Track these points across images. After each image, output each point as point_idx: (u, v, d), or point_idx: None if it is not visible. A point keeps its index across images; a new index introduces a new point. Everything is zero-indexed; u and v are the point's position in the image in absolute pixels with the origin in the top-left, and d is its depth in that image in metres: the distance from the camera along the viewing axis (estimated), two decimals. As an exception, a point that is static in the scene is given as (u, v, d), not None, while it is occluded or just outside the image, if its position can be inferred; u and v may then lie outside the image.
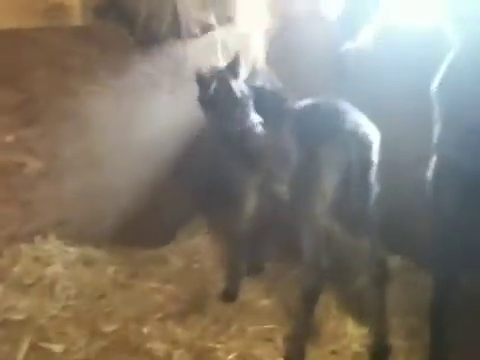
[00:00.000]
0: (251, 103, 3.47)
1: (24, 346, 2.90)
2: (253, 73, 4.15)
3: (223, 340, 3.16)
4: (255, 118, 3.42)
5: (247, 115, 3.42)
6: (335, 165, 2.89)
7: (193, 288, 3.73)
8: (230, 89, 3.44)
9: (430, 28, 3.44)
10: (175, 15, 4.10)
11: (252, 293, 3.73)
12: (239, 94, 3.44)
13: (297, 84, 4.13)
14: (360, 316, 3.31)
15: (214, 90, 3.42)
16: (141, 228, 4.14)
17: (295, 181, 3.03)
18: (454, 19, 2.81)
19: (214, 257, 4.18)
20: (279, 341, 3.14)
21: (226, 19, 4.35)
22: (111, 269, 3.77)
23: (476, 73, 2.59)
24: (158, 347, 3.06)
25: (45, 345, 2.94)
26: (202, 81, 3.50)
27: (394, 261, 3.76)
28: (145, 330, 3.19)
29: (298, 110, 3.17)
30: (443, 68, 2.76)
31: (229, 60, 3.64)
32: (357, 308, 3.38)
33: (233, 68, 3.53)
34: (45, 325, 3.09)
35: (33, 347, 2.92)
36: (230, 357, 2.99)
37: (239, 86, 3.48)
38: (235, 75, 3.51)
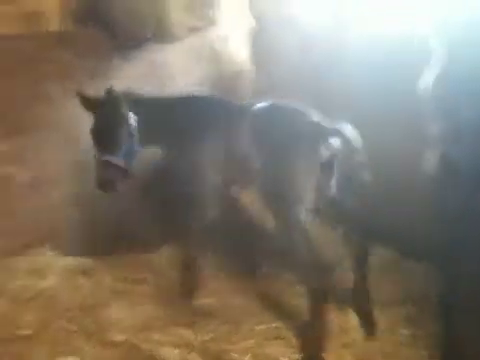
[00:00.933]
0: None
1: (39, 361, 2.85)
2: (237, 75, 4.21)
3: (235, 341, 3.17)
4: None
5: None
6: (315, 163, 3.01)
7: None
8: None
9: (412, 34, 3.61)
10: (159, 18, 4.07)
11: (249, 294, 3.75)
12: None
13: (279, 85, 4.23)
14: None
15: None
16: (133, 234, 4.10)
17: (274, 184, 3.08)
18: (437, 24, 2.99)
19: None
20: (290, 338, 3.18)
21: (208, 21, 4.34)
22: (109, 278, 3.72)
23: (469, 72, 2.73)
24: (172, 352, 3.06)
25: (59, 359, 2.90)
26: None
27: (387, 252, 3.93)
28: (155, 337, 3.18)
29: (262, 113, 3.27)
30: (434, 70, 2.91)
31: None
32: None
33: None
34: (54, 339, 3.05)
35: None
36: (246, 358, 3.02)
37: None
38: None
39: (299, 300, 3.34)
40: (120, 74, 4.10)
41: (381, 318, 3.32)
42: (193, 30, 4.30)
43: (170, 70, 4.28)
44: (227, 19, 4.49)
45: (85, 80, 3.94)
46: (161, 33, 4.17)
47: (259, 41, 4.63)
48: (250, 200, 4.17)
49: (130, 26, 4.08)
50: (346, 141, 3.00)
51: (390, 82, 3.71)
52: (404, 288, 3.64)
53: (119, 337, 3.16)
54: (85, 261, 3.82)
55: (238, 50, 4.57)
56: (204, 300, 3.62)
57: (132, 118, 3.36)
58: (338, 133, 3.01)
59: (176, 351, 3.07)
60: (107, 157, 3.23)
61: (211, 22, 4.37)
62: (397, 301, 3.52)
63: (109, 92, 3.26)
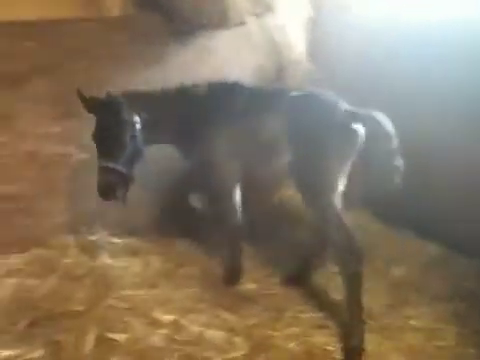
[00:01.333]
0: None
1: (90, 336, 2.95)
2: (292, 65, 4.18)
3: (279, 328, 3.20)
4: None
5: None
6: (348, 150, 3.11)
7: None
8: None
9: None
10: (220, 4, 4.06)
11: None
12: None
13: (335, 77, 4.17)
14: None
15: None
16: (180, 216, 4.15)
17: (307, 171, 3.12)
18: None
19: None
20: (334, 328, 3.19)
21: (266, 8, 4.31)
22: (157, 258, 3.80)
23: None
24: (218, 335, 3.11)
25: (110, 335, 2.99)
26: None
27: (437, 248, 3.88)
28: (202, 319, 3.24)
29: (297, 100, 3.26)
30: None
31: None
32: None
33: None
34: (105, 316, 3.14)
35: (98, 337, 2.98)
36: (291, 345, 3.04)
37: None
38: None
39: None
40: (173, 59, 4.15)
41: (429, 314, 3.30)
42: (250, 17, 4.27)
43: (223, 57, 4.28)
44: (285, 7, 4.44)
45: (139, 64, 4.01)
46: (218, 19, 4.16)
47: (317, 31, 4.57)
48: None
49: (187, 11, 4.10)
50: (379, 128, 3.08)
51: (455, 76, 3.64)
52: (453, 284, 3.60)
53: (167, 317, 3.23)
54: (135, 242, 3.92)
55: (295, 39, 4.52)
56: (247, 286, 3.65)
57: (135, 121, 3.25)
58: (371, 120, 3.08)
59: (222, 334, 3.13)
60: (107, 163, 3.14)
61: (268, 9, 4.34)
62: (445, 297, 3.48)
63: (109, 95, 3.15)
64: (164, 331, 3.10)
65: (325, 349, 3.03)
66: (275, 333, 3.15)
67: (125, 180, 3.22)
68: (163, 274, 3.67)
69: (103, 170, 3.14)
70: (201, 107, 3.42)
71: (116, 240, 3.90)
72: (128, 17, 4.00)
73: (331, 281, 3.58)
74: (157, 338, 3.04)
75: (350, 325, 3.05)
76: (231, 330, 3.17)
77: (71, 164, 3.79)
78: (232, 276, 3.67)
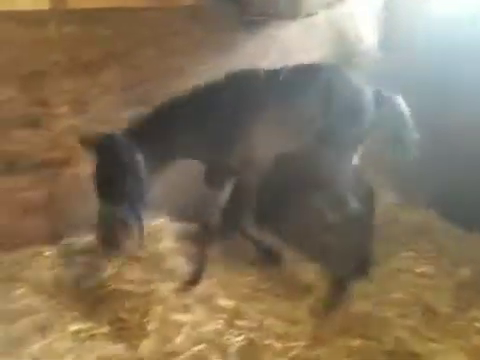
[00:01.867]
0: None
1: (154, 316, 3.04)
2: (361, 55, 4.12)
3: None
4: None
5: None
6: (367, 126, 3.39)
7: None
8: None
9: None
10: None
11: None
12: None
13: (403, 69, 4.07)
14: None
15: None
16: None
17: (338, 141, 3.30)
18: None
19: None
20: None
21: (337, -1, 4.27)
22: (217, 246, 3.82)
23: None
24: (277, 324, 3.14)
25: (172, 317, 3.08)
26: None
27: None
28: (262, 306, 3.28)
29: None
30: None
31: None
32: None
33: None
34: (168, 298, 3.23)
35: (161, 318, 3.07)
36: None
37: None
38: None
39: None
40: (241, 49, 4.17)
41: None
42: (321, 7, 4.23)
43: (291, 47, 4.27)
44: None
45: (208, 54, 4.05)
46: (291, 9, 4.13)
47: (389, 20, 4.48)
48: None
49: (259, 1, 4.10)
50: (396, 107, 3.45)
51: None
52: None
53: (227, 303, 3.29)
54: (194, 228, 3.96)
55: (365, 28, 4.45)
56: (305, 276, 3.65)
57: (137, 160, 2.95)
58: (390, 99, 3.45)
59: (281, 323, 3.15)
60: (109, 209, 2.87)
61: (340, -1, 4.29)
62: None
63: (109, 137, 2.94)
64: (225, 316, 3.17)
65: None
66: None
67: (130, 230, 2.96)
68: (222, 261, 3.72)
69: (103, 217, 2.90)
70: (224, 105, 3.17)
71: (178, 226, 3.97)
72: (201, 6, 4.03)
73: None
74: (218, 323, 3.11)
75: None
76: (291, 320, 3.19)
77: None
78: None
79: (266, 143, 3.26)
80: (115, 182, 2.88)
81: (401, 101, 3.48)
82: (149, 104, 3.81)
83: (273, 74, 3.33)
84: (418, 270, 3.56)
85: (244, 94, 3.23)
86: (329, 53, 4.35)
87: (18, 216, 3.80)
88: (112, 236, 2.90)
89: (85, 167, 3.79)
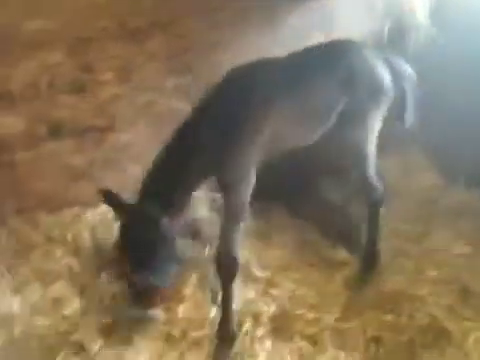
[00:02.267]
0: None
1: (192, 281, 3.19)
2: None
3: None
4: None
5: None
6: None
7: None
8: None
9: None
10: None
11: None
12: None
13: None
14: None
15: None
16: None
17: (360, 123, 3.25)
18: None
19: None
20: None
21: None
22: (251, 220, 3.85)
23: None
24: (310, 295, 3.20)
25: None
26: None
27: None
28: (296, 276, 3.34)
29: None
30: None
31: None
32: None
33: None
34: (205, 265, 3.28)
35: (197, 283, 3.22)
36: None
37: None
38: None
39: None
40: (287, 23, 4.12)
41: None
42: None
43: (338, 21, 4.19)
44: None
45: (253, 29, 4.02)
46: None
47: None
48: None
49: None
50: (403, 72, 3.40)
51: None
52: None
53: (261, 273, 3.35)
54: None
55: (417, 2, 4.32)
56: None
57: (169, 231, 2.82)
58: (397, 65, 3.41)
59: (314, 294, 3.20)
60: (139, 276, 2.77)
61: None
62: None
63: (147, 208, 2.76)
64: (259, 285, 3.22)
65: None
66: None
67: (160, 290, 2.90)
68: (257, 234, 3.71)
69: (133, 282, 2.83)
70: (239, 102, 2.97)
71: (214, 196, 3.99)
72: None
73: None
74: (252, 291, 3.18)
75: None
76: (324, 291, 3.23)
77: (181, 119, 3.90)
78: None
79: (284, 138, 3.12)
80: (146, 250, 2.77)
81: (407, 66, 3.46)
82: (192, 73, 3.91)
83: (286, 62, 3.18)
84: (455, 250, 3.51)
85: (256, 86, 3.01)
86: (381, 28, 4.23)
87: (61, 179, 3.93)
88: (142, 298, 2.88)
89: (127, 134, 3.95)
